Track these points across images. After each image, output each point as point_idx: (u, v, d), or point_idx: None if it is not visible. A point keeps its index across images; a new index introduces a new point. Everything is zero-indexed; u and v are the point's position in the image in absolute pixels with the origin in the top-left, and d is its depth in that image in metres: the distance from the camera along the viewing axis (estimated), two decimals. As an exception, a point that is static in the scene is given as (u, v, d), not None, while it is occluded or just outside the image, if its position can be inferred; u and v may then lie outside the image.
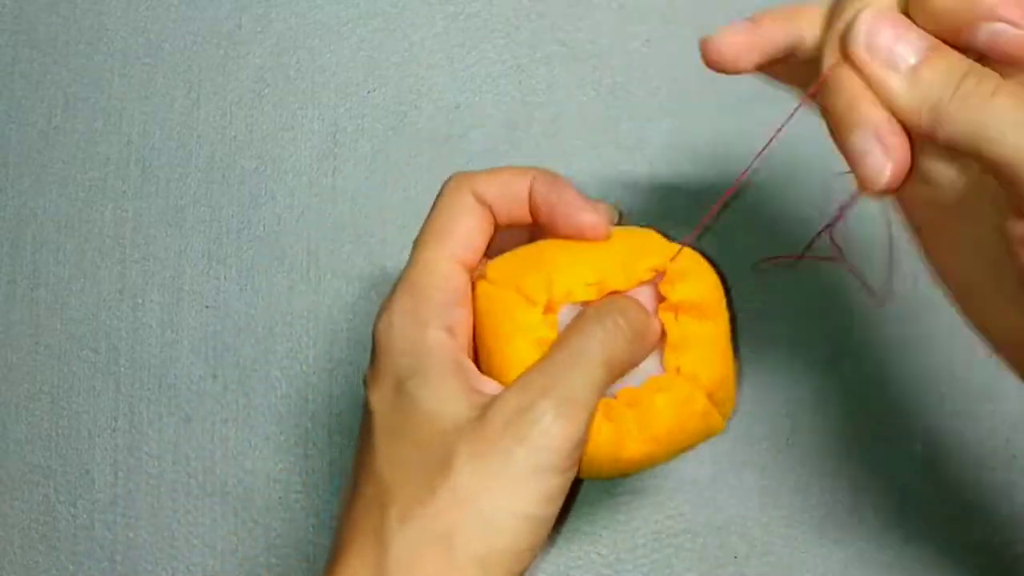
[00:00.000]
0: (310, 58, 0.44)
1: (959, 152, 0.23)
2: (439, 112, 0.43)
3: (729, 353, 0.30)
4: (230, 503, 0.40)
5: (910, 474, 0.39)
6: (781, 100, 0.42)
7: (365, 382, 0.29)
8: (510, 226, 0.31)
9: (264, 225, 0.42)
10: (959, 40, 0.23)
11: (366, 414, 0.29)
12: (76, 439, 0.41)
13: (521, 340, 0.28)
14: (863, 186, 0.24)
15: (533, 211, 0.30)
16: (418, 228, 0.41)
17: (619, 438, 0.28)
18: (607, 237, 0.30)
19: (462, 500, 0.26)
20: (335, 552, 0.28)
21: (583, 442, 0.27)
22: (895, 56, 0.23)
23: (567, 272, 0.29)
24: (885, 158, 0.23)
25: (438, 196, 0.31)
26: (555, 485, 0.26)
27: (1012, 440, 0.39)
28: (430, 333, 0.28)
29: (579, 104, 0.42)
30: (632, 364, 0.29)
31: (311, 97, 0.43)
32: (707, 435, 0.30)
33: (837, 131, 0.24)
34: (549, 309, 0.29)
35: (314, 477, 0.40)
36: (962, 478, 0.39)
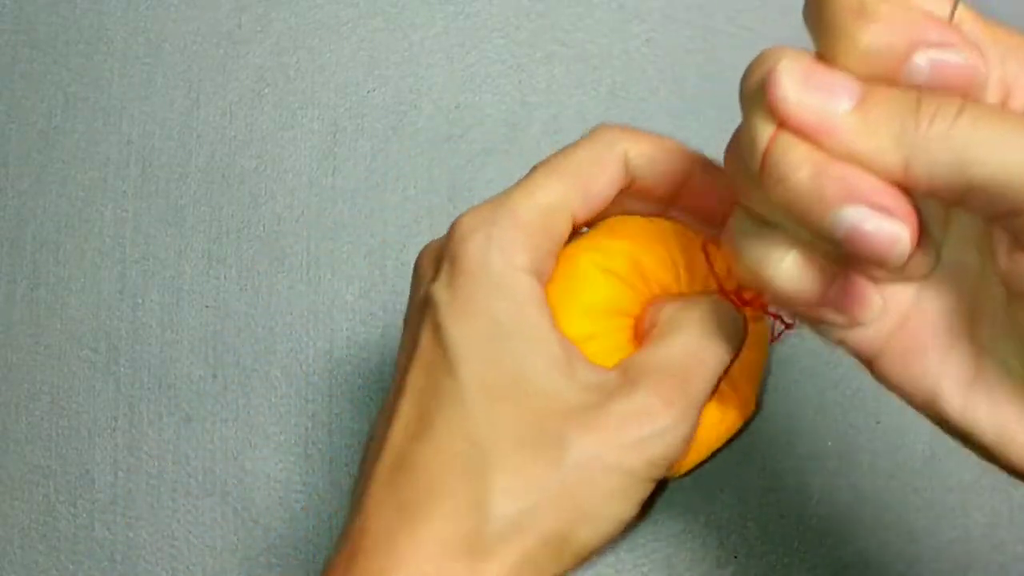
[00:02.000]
0: (310, 58, 0.44)
1: (941, 194, 0.19)
2: (439, 112, 0.43)
3: (720, 425, 0.30)
4: (230, 503, 0.40)
5: (910, 474, 0.39)
6: (781, 100, 0.42)
7: (434, 300, 0.26)
8: (633, 194, 0.28)
9: (264, 225, 0.42)
10: (895, 80, 0.19)
11: (442, 350, 0.25)
12: (76, 439, 0.41)
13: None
14: (882, 265, 0.19)
15: (688, 195, 0.28)
16: (418, 228, 0.41)
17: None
18: None
19: (571, 494, 0.24)
20: (413, 497, 0.25)
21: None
22: (834, 99, 0.19)
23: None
24: (897, 221, 0.18)
25: (587, 139, 0.28)
26: (650, 490, 0.26)
27: (1012, 440, 0.39)
28: (531, 282, 0.26)
29: (579, 104, 0.42)
30: None
31: (311, 97, 0.43)
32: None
33: (809, 217, 0.19)
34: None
35: (314, 477, 0.40)
36: (962, 478, 0.39)
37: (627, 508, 0.26)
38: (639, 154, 0.27)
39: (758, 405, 0.31)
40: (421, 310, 0.27)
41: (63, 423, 0.42)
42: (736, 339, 0.27)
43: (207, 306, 0.42)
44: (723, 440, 0.30)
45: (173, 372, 0.41)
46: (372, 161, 0.43)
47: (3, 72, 0.45)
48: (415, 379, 0.26)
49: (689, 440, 0.26)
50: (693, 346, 0.26)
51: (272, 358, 0.41)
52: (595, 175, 0.27)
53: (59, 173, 0.43)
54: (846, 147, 0.19)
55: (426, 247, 0.29)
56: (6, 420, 0.42)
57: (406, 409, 0.26)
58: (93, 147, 0.44)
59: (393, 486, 0.25)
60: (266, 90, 0.43)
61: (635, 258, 0.28)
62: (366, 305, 0.41)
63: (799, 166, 0.19)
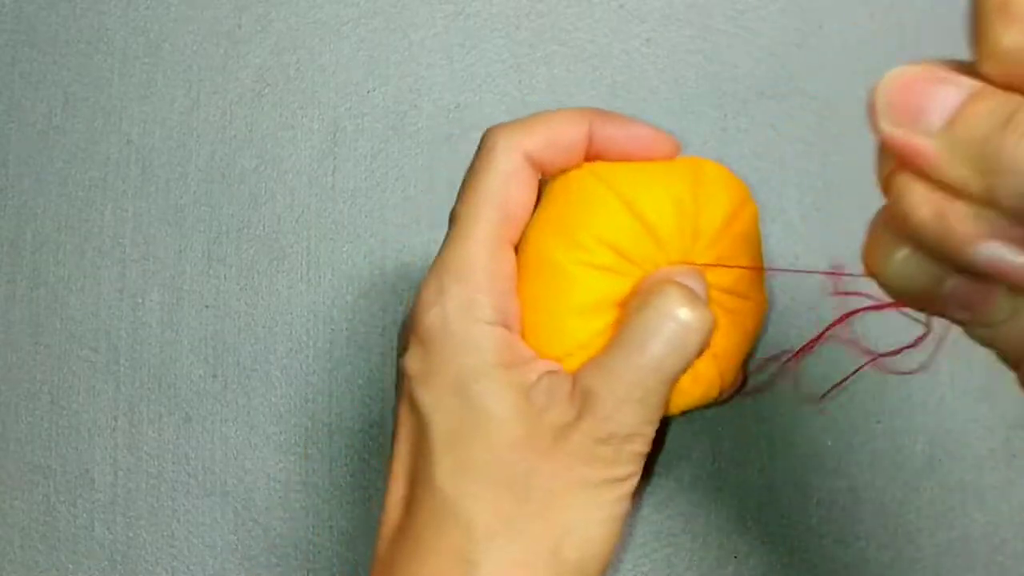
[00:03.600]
0: (310, 58, 0.44)
1: None
2: (439, 112, 0.43)
3: (750, 334, 0.30)
4: (230, 503, 0.40)
5: (910, 474, 0.39)
6: (782, 98, 0.42)
7: (407, 373, 0.27)
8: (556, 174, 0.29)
9: (264, 225, 0.42)
10: None
11: (416, 417, 0.27)
12: (76, 439, 0.41)
13: (577, 318, 0.27)
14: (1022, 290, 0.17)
15: (595, 155, 0.28)
16: (418, 228, 0.41)
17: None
18: (676, 151, 0.29)
19: (551, 515, 0.25)
20: (405, 565, 0.26)
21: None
22: (923, 119, 0.17)
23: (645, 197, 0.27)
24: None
25: (482, 155, 0.28)
26: (633, 483, 0.27)
27: (1011, 439, 0.39)
28: (492, 332, 0.26)
29: (579, 104, 0.42)
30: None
31: (311, 97, 0.43)
32: (702, 402, 0.30)
33: (942, 249, 0.18)
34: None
35: (314, 477, 0.40)
36: (962, 478, 0.39)
37: (609, 510, 0.26)
38: (537, 148, 0.27)
39: (744, 382, 0.31)
40: (399, 384, 0.28)
41: (63, 423, 0.42)
42: (693, 332, 0.26)
43: (207, 306, 0.42)
44: (688, 408, 0.30)
45: (173, 372, 0.41)
46: (372, 161, 0.43)
47: (3, 72, 0.45)
48: (400, 449, 0.28)
49: (651, 441, 0.27)
50: (645, 354, 0.26)
51: (272, 358, 0.41)
52: (510, 196, 0.27)
53: (59, 173, 0.43)
54: (936, 176, 0.17)
55: (403, 323, 0.29)
56: (6, 420, 0.42)
57: (395, 477, 0.28)
58: (93, 147, 0.44)
59: (388, 561, 0.27)
60: (266, 90, 0.43)
61: (613, 243, 0.27)
62: (366, 305, 0.41)
63: (919, 206, 0.17)
